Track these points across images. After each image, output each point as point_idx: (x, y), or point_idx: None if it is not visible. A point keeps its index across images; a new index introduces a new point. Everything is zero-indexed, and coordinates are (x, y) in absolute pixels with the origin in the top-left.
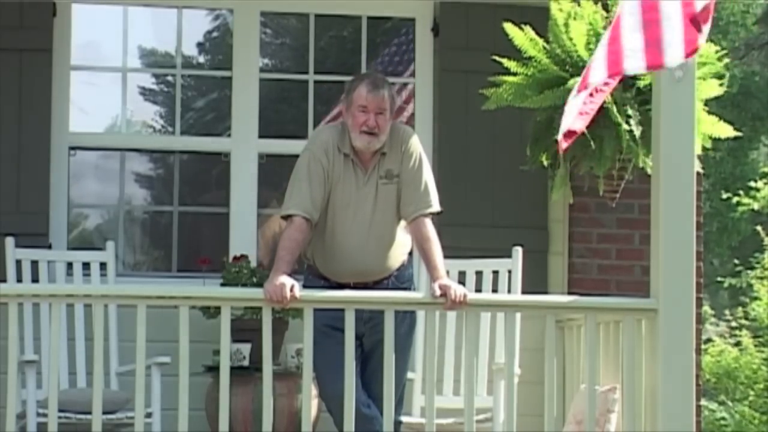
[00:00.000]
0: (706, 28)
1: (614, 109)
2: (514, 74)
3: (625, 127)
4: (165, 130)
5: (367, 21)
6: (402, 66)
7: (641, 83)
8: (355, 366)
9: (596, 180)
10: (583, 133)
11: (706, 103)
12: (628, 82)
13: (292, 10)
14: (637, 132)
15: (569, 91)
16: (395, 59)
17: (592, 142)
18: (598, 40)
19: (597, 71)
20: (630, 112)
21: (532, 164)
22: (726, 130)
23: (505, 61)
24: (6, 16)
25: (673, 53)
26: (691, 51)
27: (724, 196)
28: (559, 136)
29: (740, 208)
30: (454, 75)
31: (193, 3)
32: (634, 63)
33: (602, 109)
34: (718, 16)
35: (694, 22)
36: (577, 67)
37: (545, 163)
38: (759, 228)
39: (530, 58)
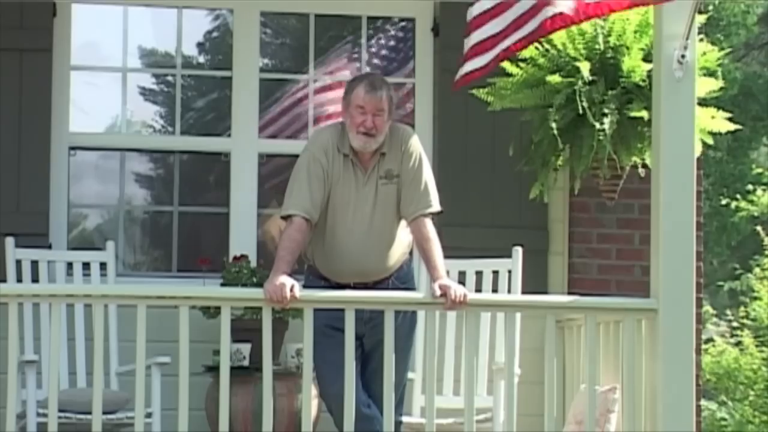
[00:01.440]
0: None
1: (590, 110)
2: (510, 75)
3: (597, 126)
4: (165, 130)
5: (367, 21)
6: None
7: (628, 82)
8: (356, 366)
9: (594, 180)
10: (556, 136)
11: (705, 101)
12: (614, 81)
13: (292, 10)
14: (610, 131)
15: (550, 90)
16: (392, 57)
17: (558, 142)
18: (583, 38)
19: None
20: (606, 111)
21: (524, 165)
22: (724, 125)
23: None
24: (6, 16)
25: None
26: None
27: (723, 202)
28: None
29: (739, 214)
30: (454, 75)
31: (193, 3)
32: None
33: (579, 111)
34: (719, 17)
35: None
36: (564, 66)
37: (524, 163)
38: (759, 228)
39: (525, 59)
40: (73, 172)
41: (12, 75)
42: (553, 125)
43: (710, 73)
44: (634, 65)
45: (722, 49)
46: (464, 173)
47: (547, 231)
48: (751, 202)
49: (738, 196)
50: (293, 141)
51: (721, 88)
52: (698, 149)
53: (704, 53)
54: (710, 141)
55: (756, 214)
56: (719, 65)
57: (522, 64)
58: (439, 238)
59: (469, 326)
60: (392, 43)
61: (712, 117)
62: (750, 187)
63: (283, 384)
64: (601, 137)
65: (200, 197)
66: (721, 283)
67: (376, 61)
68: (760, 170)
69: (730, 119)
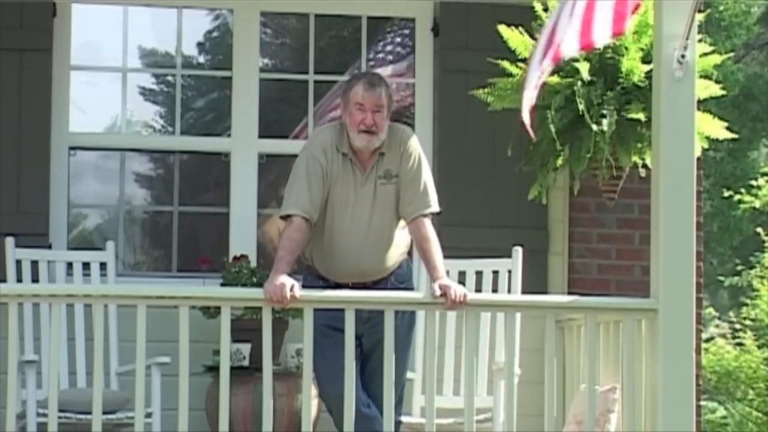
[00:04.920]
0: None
1: (588, 111)
2: (510, 75)
3: (595, 128)
4: (165, 130)
5: (367, 21)
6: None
7: (627, 83)
8: (355, 366)
9: (593, 180)
10: (554, 137)
11: (705, 103)
12: (612, 81)
13: (292, 10)
14: (608, 132)
15: (549, 91)
16: (391, 55)
17: (557, 143)
18: None
19: (569, 44)
20: (605, 112)
21: (525, 165)
22: (720, 131)
23: (500, 62)
24: (6, 16)
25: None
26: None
27: (726, 194)
28: (527, 119)
29: (742, 206)
30: (454, 75)
31: (193, 3)
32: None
33: (578, 112)
34: (720, 17)
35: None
36: (563, 67)
37: (523, 163)
38: (759, 229)
39: (525, 59)
40: (73, 172)
41: (12, 75)
42: (552, 126)
43: (708, 76)
44: (632, 66)
45: (725, 51)
46: (464, 173)
47: (547, 231)
48: (755, 195)
49: (742, 190)
50: (293, 141)
51: (722, 95)
52: (698, 150)
53: (704, 54)
54: (706, 145)
55: (757, 205)
56: (715, 67)
57: (522, 65)
58: (439, 238)
59: (469, 326)
60: (392, 42)
61: (708, 123)
62: (753, 182)
63: (283, 384)
64: (598, 138)
65: (200, 197)
66: (721, 278)
67: (375, 60)
68: (766, 169)
69: (730, 123)
